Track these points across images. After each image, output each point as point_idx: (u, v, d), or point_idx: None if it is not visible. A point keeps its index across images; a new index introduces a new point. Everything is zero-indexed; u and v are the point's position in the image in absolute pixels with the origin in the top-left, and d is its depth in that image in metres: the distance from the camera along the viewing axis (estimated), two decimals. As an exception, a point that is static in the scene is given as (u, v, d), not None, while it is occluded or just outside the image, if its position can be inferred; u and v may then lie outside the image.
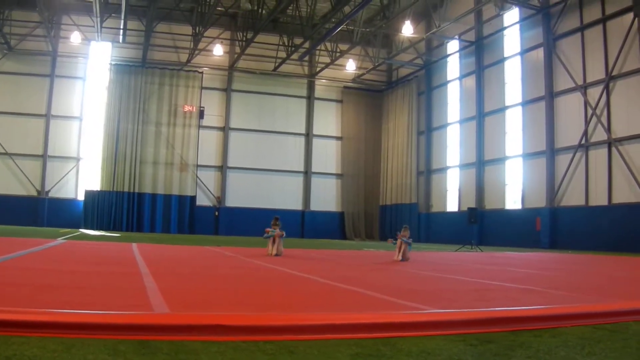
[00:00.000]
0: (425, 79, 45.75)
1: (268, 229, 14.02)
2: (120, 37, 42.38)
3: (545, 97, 33.03)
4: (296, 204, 48.06)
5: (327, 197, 48.97)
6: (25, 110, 42.85)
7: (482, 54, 39.10)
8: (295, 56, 45.00)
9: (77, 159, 44.05)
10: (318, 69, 48.14)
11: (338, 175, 49.52)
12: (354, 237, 47.70)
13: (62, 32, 43.89)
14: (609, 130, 29.08)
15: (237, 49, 45.69)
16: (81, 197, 43.48)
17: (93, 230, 39.36)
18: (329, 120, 49.78)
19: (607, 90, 29.35)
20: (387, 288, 7.39)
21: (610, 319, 4.95)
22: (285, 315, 4.52)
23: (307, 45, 43.18)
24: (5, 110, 42.48)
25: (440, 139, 44.02)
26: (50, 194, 43.11)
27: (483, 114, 38.65)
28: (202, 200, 45.85)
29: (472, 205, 36.37)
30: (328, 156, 49.38)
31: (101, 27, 40.03)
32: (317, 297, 6.35)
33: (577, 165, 31.02)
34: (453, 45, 42.41)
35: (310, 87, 49.53)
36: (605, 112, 29.47)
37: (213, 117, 46.48)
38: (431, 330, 4.18)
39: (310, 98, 49.43)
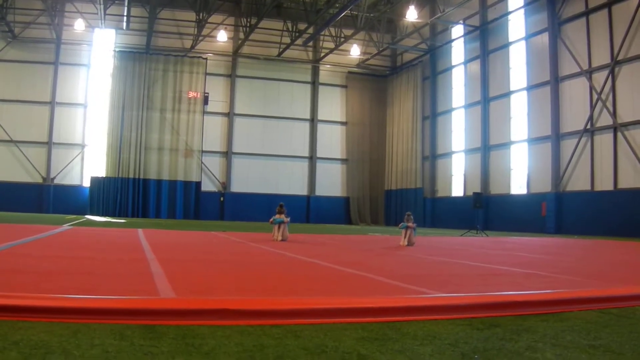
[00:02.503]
0: (430, 64, 45.53)
1: (272, 219, 14.12)
2: (124, 23, 42.32)
3: (550, 82, 32.87)
4: (301, 189, 48.07)
5: (332, 182, 48.97)
6: (29, 97, 42.86)
7: (487, 38, 38.90)
8: (299, 42, 44.85)
9: (82, 146, 44.07)
10: (322, 54, 47.97)
11: (343, 161, 49.48)
12: (359, 222, 47.72)
13: (66, 19, 43.76)
14: (614, 115, 28.95)
15: (241, 35, 45.56)
16: (87, 183, 43.57)
17: (99, 216, 39.44)
18: (333, 105, 49.68)
19: (613, 75, 29.18)
20: (393, 272, 7.40)
21: (616, 304, 4.96)
22: (291, 300, 4.53)
23: (311, 30, 43.00)
24: (10, 98, 42.50)
25: (445, 124, 43.90)
26: (56, 181, 43.19)
27: (488, 98, 38.51)
28: (207, 186, 45.89)
29: (478, 190, 36.29)
30: (333, 141, 49.33)
31: (105, 14, 39.97)
32: (323, 281, 6.36)
33: (583, 150, 30.91)
34: (457, 30, 42.18)
35: (315, 72, 49.39)
36: (610, 97, 29.33)
37: (217, 103, 46.43)
38: (437, 314, 4.19)
39: (314, 83, 49.31)
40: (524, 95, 35.58)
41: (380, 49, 45.09)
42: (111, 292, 4.71)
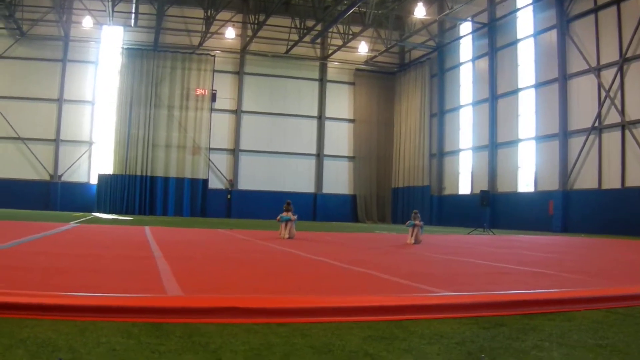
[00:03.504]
0: (438, 61, 45.42)
1: (279, 217, 14.12)
2: (132, 20, 42.38)
3: (558, 79, 32.75)
4: (308, 187, 48.05)
5: (339, 180, 48.92)
6: (37, 95, 42.93)
7: (495, 36, 38.77)
8: (307, 39, 44.75)
9: (90, 143, 44.16)
10: (330, 52, 47.91)
11: (350, 158, 49.42)
12: (366, 220, 47.69)
13: (74, 16, 43.82)
14: (622, 113, 28.82)
15: (249, 32, 45.49)
16: (94, 180, 43.65)
17: (106, 213, 39.55)
18: (341, 102, 49.60)
19: (621, 73, 29.04)
20: (400, 271, 7.39)
21: (623, 303, 4.94)
22: (298, 298, 4.53)
23: (319, 27, 42.86)
24: (18, 95, 42.58)
25: (453, 122, 43.80)
26: (63, 178, 43.30)
27: (496, 96, 38.40)
28: (215, 184, 45.92)
29: (485, 188, 36.25)
30: (340, 139, 49.26)
31: (113, 11, 40.02)
32: (330, 279, 6.36)
33: (590, 148, 30.80)
34: (466, 27, 42.09)
35: (323, 69, 49.33)
36: (619, 95, 29.19)
37: (225, 100, 46.44)
38: (444, 313, 4.19)
39: (322, 80, 49.25)
40: (532, 92, 35.46)
41: (388, 46, 44.97)
42: (118, 289, 4.72)
